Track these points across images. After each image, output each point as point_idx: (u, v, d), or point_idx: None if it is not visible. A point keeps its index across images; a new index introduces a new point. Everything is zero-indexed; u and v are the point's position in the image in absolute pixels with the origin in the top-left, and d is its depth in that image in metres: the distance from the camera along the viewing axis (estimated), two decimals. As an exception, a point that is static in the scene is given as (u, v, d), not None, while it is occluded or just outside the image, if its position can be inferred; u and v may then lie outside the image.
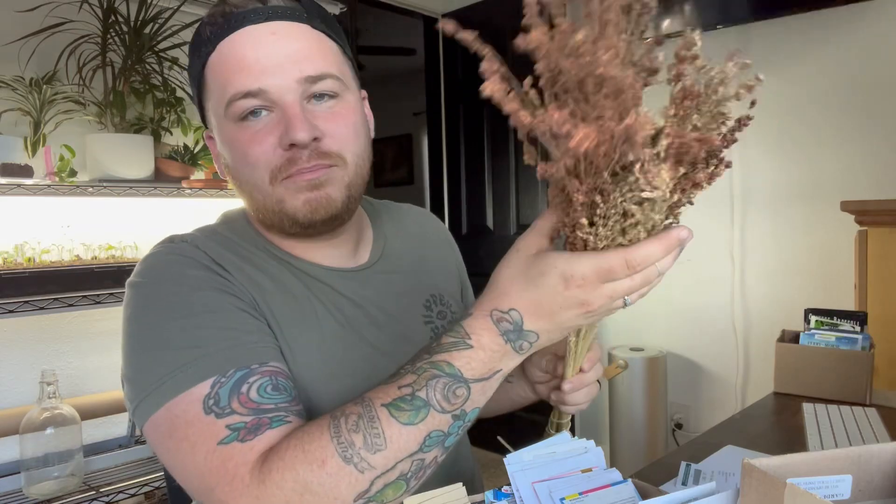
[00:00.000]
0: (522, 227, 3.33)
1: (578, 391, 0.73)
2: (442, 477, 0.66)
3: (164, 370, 0.58)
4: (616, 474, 0.64)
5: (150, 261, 0.67)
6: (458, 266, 0.96)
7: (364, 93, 0.78)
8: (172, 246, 0.68)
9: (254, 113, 0.66)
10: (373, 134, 0.77)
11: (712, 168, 0.49)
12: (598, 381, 0.76)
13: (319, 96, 0.68)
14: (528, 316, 0.52)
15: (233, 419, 0.55)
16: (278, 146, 0.65)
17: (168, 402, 0.57)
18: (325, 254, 0.76)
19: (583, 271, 0.49)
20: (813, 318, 1.45)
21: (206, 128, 0.74)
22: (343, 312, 0.74)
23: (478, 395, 0.54)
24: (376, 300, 0.77)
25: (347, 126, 0.69)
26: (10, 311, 1.55)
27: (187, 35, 1.93)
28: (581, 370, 0.72)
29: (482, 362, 0.54)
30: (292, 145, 0.65)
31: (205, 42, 0.67)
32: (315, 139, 0.66)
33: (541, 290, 0.51)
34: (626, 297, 0.51)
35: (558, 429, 0.78)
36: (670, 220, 0.51)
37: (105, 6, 1.78)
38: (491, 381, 0.55)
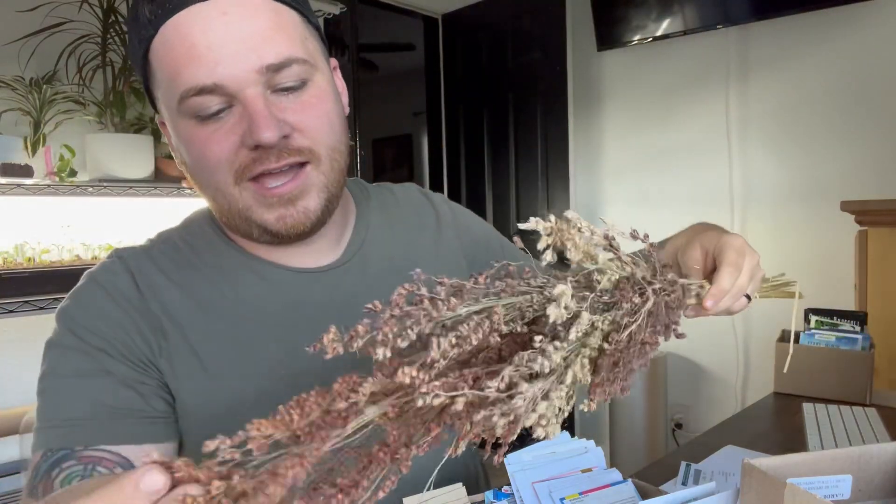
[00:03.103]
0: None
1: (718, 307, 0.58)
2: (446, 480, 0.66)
3: (38, 422, 0.62)
4: (616, 474, 0.64)
5: (74, 295, 0.65)
6: (470, 249, 0.85)
7: (334, 62, 0.69)
8: (103, 273, 0.66)
9: (214, 115, 0.58)
10: (347, 109, 0.68)
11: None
12: (749, 296, 0.60)
13: (286, 89, 0.60)
14: None
15: (30, 502, 0.57)
16: (242, 146, 0.58)
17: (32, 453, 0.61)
18: (296, 253, 0.69)
19: None
20: (813, 318, 1.45)
21: (157, 112, 0.66)
22: (296, 323, 0.67)
23: None
24: (341, 303, 0.69)
25: (319, 117, 0.61)
26: (10, 311, 1.56)
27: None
28: (704, 308, 0.56)
29: None
30: (258, 146, 0.58)
31: (144, 24, 0.58)
32: (284, 136, 0.59)
33: None
34: None
35: None
36: None
37: (105, 6, 1.78)
38: None
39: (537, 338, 0.38)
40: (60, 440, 0.59)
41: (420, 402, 0.34)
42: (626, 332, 0.42)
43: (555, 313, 0.39)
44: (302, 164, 0.61)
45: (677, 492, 0.55)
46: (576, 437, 0.67)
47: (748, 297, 0.62)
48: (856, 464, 0.55)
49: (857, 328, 1.39)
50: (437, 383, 0.34)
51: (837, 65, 2.25)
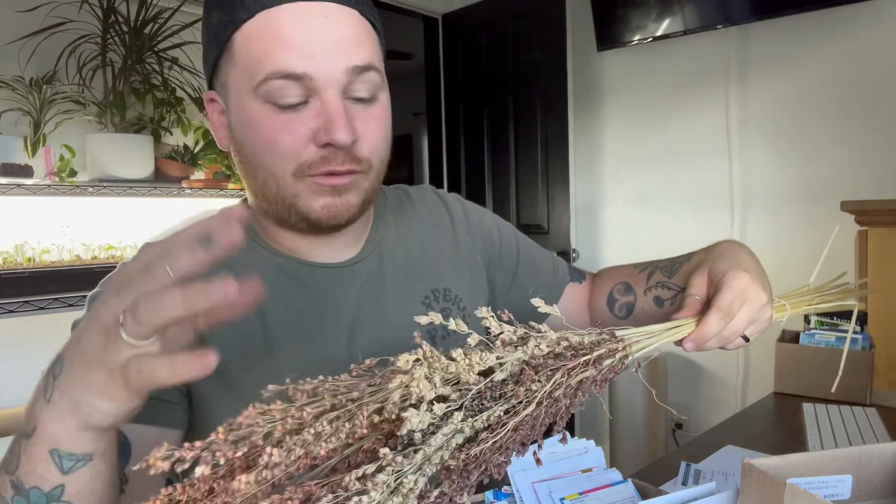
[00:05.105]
0: (522, 227, 3.31)
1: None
2: None
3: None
4: (616, 474, 0.64)
5: (106, 280, 0.67)
6: (485, 246, 0.87)
7: None
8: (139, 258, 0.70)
9: (293, 106, 0.62)
10: None
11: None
12: (745, 337, 0.62)
13: (358, 99, 0.65)
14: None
15: None
16: (311, 141, 0.62)
17: None
18: (318, 248, 0.72)
19: None
20: (813, 318, 1.45)
21: (210, 88, 0.69)
22: (312, 316, 0.70)
23: (28, 462, 0.44)
24: (356, 297, 0.73)
25: (380, 130, 0.67)
26: (10, 311, 1.56)
27: (187, 35, 1.93)
28: (683, 348, 0.59)
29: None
30: (328, 144, 0.62)
31: (246, 6, 0.62)
32: (353, 142, 0.63)
33: None
34: None
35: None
36: None
37: (105, 6, 1.78)
38: (31, 443, 0.44)
39: (382, 450, 0.35)
40: None
41: None
42: (478, 449, 0.38)
43: (412, 421, 0.35)
44: (358, 173, 0.66)
45: (677, 492, 0.55)
46: (576, 437, 0.67)
47: (745, 338, 0.62)
48: (856, 464, 0.55)
49: (857, 328, 1.39)
50: (272, 499, 0.34)
51: (837, 65, 2.25)
